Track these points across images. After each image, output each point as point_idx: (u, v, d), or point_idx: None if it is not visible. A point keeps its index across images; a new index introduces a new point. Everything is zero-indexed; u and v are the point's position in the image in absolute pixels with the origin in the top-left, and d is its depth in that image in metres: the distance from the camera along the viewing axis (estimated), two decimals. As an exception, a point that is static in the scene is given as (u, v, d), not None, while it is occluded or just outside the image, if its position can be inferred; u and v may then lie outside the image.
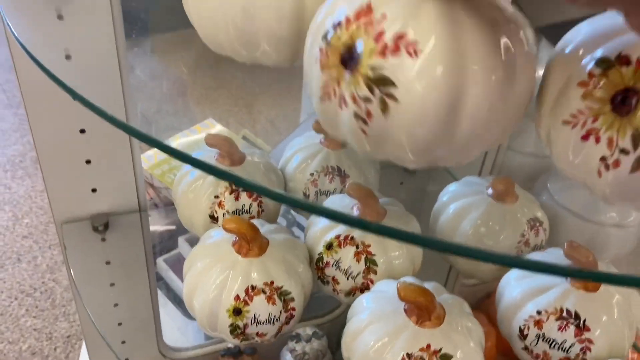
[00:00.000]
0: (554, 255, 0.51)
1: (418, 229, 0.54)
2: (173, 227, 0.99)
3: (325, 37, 0.26)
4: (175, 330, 0.87)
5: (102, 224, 0.59)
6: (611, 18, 0.25)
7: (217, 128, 1.10)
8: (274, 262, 0.47)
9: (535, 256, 0.52)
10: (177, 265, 0.93)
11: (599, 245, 0.61)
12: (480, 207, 0.55)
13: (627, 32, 0.23)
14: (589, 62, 0.24)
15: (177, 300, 0.91)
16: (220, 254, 0.47)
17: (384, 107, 0.25)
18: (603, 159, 0.24)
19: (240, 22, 0.33)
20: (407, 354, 0.41)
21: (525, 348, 0.47)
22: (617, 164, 0.23)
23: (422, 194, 0.80)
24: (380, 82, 0.24)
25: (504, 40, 0.25)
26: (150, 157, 1.00)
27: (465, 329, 0.44)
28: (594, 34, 0.25)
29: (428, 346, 0.42)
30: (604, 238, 0.59)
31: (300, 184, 0.60)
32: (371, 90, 0.25)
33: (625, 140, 0.23)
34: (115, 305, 0.68)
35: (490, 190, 0.56)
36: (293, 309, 0.47)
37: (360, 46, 0.24)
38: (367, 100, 0.25)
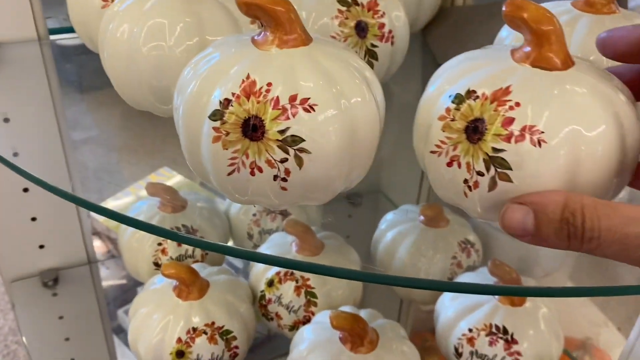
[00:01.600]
0: (483, 275, 0.53)
1: (357, 260, 0.57)
2: (131, 279, 0.99)
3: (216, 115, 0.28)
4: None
5: (51, 279, 0.60)
6: (464, 60, 0.28)
7: (174, 176, 1.11)
8: (215, 303, 0.49)
9: (466, 277, 0.54)
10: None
11: (532, 261, 0.64)
12: (413, 233, 0.58)
13: (474, 70, 0.27)
14: (446, 99, 0.27)
15: (139, 351, 0.90)
16: (162, 299, 0.49)
17: (300, 162, 0.27)
18: (466, 181, 0.26)
19: (152, 79, 0.36)
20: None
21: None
22: (476, 185, 0.26)
23: (370, 225, 0.83)
24: (292, 143, 0.27)
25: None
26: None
27: (399, 352, 0.46)
28: (451, 74, 0.28)
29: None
30: (534, 254, 0.63)
31: (244, 224, 0.62)
32: (286, 151, 0.27)
33: (479, 164, 0.26)
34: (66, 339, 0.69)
35: (421, 217, 0.59)
36: (236, 347, 0.49)
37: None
38: (283, 160, 0.27)
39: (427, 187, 0.72)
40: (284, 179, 0.28)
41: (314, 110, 0.27)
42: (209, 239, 0.59)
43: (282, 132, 0.27)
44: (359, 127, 0.29)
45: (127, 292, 0.98)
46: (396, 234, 0.59)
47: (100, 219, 1.01)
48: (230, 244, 0.64)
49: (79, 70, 0.61)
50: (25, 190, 0.57)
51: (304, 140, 0.27)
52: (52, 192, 0.31)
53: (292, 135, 0.27)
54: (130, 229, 0.58)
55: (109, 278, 0.97)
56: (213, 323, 0.47)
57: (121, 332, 0.94)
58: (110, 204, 1.03)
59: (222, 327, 0.48)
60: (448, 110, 0.27)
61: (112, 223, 0.97)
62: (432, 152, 0.28)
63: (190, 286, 0.48)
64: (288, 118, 0.27)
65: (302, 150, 0.27)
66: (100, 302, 0.65)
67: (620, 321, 0.87)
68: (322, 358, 0.44)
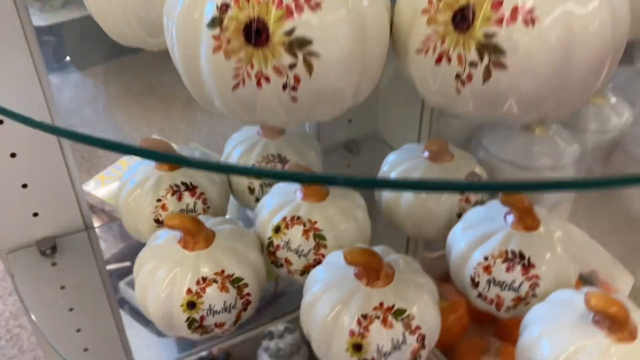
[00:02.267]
0: (494, 208, 0.52)
1: (363, 204, 0.55)
2: (131, 250, 0.97)
3: (215, 22, 0.25)
4: (145, 349, 0.85)
5: (49, 248, 0.58)
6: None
7: (163, 145, 1.09)
8: (223, 251, 0.47)
9: (476, 211, 0.53)
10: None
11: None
12: (418, 170, 0.57)
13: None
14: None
15: (145, 321, 0.89)
16: (167, 252, 0.47)
17: (309, 68, 0.25)
18: (458, 76, 0.25)
19: (140, 11, 0.34)
20: (362, 315, 0.42)
21: (480, 295, 0.49)
22: (470, 77, 0.24)
23: (371, 174, 0.82)
24: (300, 45, 0.25)
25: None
26: (98, 182, 0.99)
27: (416, 285, 0.45)
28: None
29: (381, 304, 0.42)
30: (542, 183, 0.61)
31: (244, 179, 0.60)
32: (294, 55, 0.25)
33: (472, 53, 0.24)
34: (78, 330, 0.67)
35: (425, 153, 0.58)
36: (248, 294, 0.47)
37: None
38: (292, 66, 0.25)
39: (426, 130, 0.71)
40: (294, 88, 0.26)
41: (320, 8, 0.25)
42: (210, 195, 0.57)
43: (288, 33, 0.25)
44: (368, 30, 0.27)
45: (130, 264, 0.97)
46: (400, 173, 0.58)
47: (96, 193, 0.99)
48: (231, 201, 0.63)
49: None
50: (13, 155, 0.55)
51: (312, 41, 0.25)
52: (31, 126, 0.29)
53: (300, 37, 0.25)
54: (127, 188, 0.55)
55: (109, 250, 0.95)
56: (223, 271, 0.46)
57: (125, 304, 0.93)
58: (103, 176, 1.00)
59: (233, 274, 0.46)
60: (431, 1, 0.25)
61: (107, 195, 0.95)
62: (418, 50, 0.26)
63: (196, 236, 0.46)
64: (293, 17, 0.25)
65: (311, 53, 0.25)
66: (101, 269, 0.64)
67: (621, 256, 0.87)
68: (337, 296, 0.43)
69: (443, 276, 0.98)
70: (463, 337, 0.90)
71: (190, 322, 0.45)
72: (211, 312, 0.45)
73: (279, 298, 0.95)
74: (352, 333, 0.42)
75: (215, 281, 0.45)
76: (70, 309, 0.65)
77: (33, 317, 0.64)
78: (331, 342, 0.43)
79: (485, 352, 0.82)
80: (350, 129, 0.79)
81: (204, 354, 0.76)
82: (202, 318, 0.45)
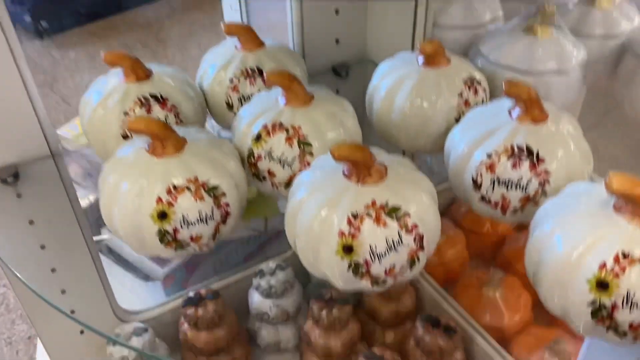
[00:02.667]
0: (497, 105, 0.47)
1: (351, 110, 0.50)
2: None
3: None
4: (130, 294, 0.81)
5: (10, 175, 0.53)
6: None
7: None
8: (196, 158, 0.42)
9: (477, 110, 0.48)
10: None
11: (543, 96, 0.58)
12: (412, 77, 0.52)
13: None
14: None
15: (129, 266, 0.85)
16: (134, 161, 0.42)
17: None
18: None
19: None
20: (353, 214, 0.37)
21: (483, 198, 0.44)
22: None
23: (360, 99, 0.76)
24: None
25: None
26: (75, 127, 0.94)
27: (412, 181, 0.40)
28: None
29: (373, 202, 0.38)
30: (545, 88, 0.57)
31: (221, 95, 0.55)
32: None
33: None
34: (53, 270, 0.63)
35: (420, 59, 0.52)
36: (227, 204, 0.43)
37: None
38: None
39: (420, 35, 0.65)
40: None
41: None
42: (183, 110, 0.52)
43: None
44: None
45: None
46: (393, 82, 0.53)
47: (69, 137, 0.94)
48: (208, 120, 0.58)
49: None
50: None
51: None
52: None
53: None
54: (91, 106, 0.50)
55: (86, 197, 0.90)
56: (196, 178, 0.41)
57: (110, 252, 0.89)
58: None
59: (207, 181, 0.41)
60: None
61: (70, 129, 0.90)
62: None
63: (165, 141, 0.41)
64: None
65: None
66: (73, 203, 0.59)
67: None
68: (325, 196, 0.38)
69: (440, 211, 0.94)
70: (463, 271, 0.87)
71: (162, 235, 0.41)
72: (185, 223, 0.41)
73: (270, 241, 0.91)
74: (342, 234, 0.37)
75: (188, 189, 0.41)
76: (42, 247, 0.61)
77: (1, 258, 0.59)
78: (319, 247, 0.38)
79: (486, 283, 0.78)
80: (338, 51, 0.73)
81: (191, 294, 0.72)
82: (175, 230, 0.41)
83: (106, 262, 0.85)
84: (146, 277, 0.83)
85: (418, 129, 0.51)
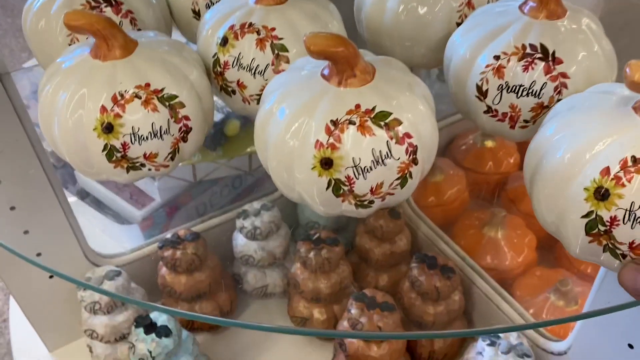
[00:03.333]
0: (506, 3, 0.40)
1: (336, 13, 0.43)
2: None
3: None
4: (108, 240, 0.76)
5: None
6: None
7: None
8: (149, 62, 0.36)
9: (482, 9, 0.41)
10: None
11: None
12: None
13: None
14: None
15: (105, 209, 0.79)
16: (74, 66, 0.35)
17: None
18: None
19: None
20: (332, 121, 0.31)
21: (489, 109, 0.38)
22: None
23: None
24: None
25: None
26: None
27: (404, 84, 0.34)
28: None
29: (357, 107, 0.31)
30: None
31: (186, 2, 0.48)
32: None
33: None
34: (12, 208, 0.57)
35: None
36: (186, 117, 0.36)
37: None
38: None
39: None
40: None
41: None
42: (142, 17, 0.45)
43: None
44: None
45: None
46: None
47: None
48: (173, 32, 0.50)
49: None
50: None
51: None
52: None
53: None
54: (32, 12, 0.43)
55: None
56: (148, 85, 0.35)
57: (86, 195, 0.83)
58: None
59: (162, 89, 0.35)
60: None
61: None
62: None
63: (111, 40, 0.35)
64: None
65: None
66: (26, 127, 0.52)
67: None
68: (300, 103, 0.32)
69: (440, 150, 0.88)
70: (462, 213, 0.81)
71: (110, 152, 0.34)
72: (136, 138, 0.34)
73: (257, 182, 0.85)
74: (319, 145, 0.31)
75: (137, 96, 0.34)
76: (12, 207, 0.55)
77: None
78: (293, 163, 0.32)
79: (487, 223, 0.72)
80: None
81: (168, 235, 0.67)
82: (124, 146, 0.34)
83: (81, 206, 0.80)
84: (123, 220, 0.77)
85: (415, 36, 0.44)
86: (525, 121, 0.37)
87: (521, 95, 0.36)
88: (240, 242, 0.70)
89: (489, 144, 0.82)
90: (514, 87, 0.36)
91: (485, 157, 0.81)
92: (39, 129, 0.53)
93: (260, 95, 0.40)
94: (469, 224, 0.74)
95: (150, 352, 0.55)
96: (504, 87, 0.36)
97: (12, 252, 0.45)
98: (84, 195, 0.83)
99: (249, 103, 0.41)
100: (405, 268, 0.71)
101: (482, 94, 0.37)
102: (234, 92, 0.40)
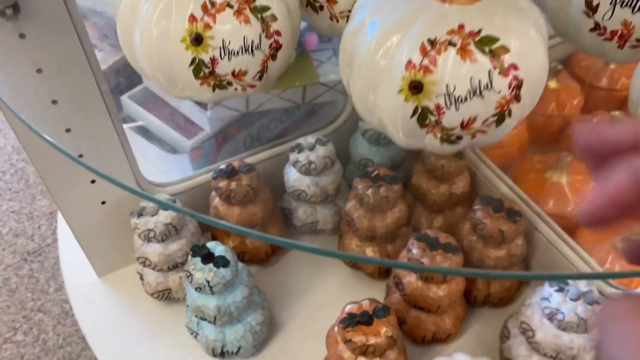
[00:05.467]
0: None
1: None
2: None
3: None
4: (155, 170, 0.75)
5: (8, 5, 0.44)
6: None
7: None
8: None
9: None
10: (145, 102, 0.79)
11: None
12: None
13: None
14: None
15: (153, 138, 0.78)
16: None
17: None
18: None
19: None
20: (429, 40, 0.28)
21: (596, 27, 0.34)
22: None
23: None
24: None
25: None
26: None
27: (516, 9, 0.30)
28: None
29: (460, 27, 0.28)
30: None
31: None
32: None
33: None
34: (68, 130, 0.55)
35: None
36: (277, 32, 0.33)
37: None
38: None
39: None
40: None
41: None
42: None
43: None
44: None
45: (128, 76, 0.83)
46: None
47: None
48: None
49: None
50: None
51: None
52: None
53: None
54: None
55: (105, 62, 0.81)
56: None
57: (130, 122, 0.81)
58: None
59: (254, 0, 0.32)
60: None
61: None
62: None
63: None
64: None
65: None
66: (86, 49, 0.50)
67: None
68: (395, 17, 0.28)
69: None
70: (521, 157, 0.78)
71: (198, 67, 0.32)
72: (226, 52, 0.32)
73: (309, 116, 0.83)
74: (410, 65, 0.28)
75: (229, 6, 0.31)
76: (54, 102, 0.53)
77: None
78: (379, 84, 0.29)
79: (551, 167, 0.69)
80: None
81: (223, 166, 0.65)
82: (213, 60, 0.32)
83: (129, 134, 0.78)
84: (172, 150, 0.76)
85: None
86: (638, 40, 0.33)
87: (637, 11, 0.32)
88: (293, 176, 0.68)
89: (552, 84, 0.78)
90: (630, 1, 0.32)
91: (548, 99, 0.77)
92: (96, 49, 0.51)
93: (350, 12, 0.36)
94: (530, 168, 0.71)
95: (208, 282, 0.55)
96: (618, 0, 0.32)
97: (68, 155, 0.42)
98: (127, 119, 0.81)
99: (337, 21, 0.37)
100: (461, 210, 0.69)
101: (591, 9, 0.33)
102: (321, 7, 0.37)
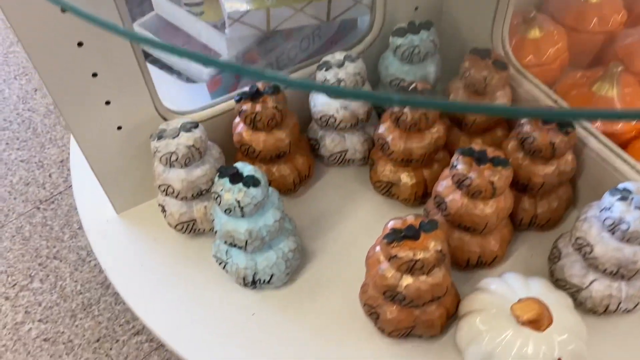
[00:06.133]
0: None
1: None
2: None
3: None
4: (172, 100, 0.70)
5: None
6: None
7: None
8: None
9: None
10: (158, 30, 0.74)
11: None
12: None
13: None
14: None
15: (169, 67, 0.73)
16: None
17: None
18: None
19: None
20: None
21: None
22: None
23: None
24: None
25: None
26: None
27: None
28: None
29: None
30: None
31: None
32: None
33: None
34: (80, 44, 0.50)
35: None
36: None
37: None
38: None
39: None
40: None
41: None
42: None
43: None
44: None
45: (139, 4, 0.78)
46: None
47: None
48: None
49: None
50: None
51: None
52: None
53: None
54: None
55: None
56: None
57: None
58: None
59: None
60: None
61: None
62: None
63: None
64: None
65: None
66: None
67: None
68: None
69: (536, 4, 0.78)
70: (562, 75, 0.73)
71: None
72: None
73: (335, 36, 0.77)
74: None
75: None
76: (80, 43, 0.49)
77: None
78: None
79: (599, 79, 0.64)
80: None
81: (246, 88, 0.60)
82: None
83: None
84: (189, 80, 0.71)
85: None
86: None
87: None
88: (320, 100, 0.64)
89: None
90: None
91: (589, 14, 0.72)
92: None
93: None
94: (574, 84, 0.67)
95: (238, 202, 0.51)
96: None
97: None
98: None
99: None
100: (501, 133, 0.65)
101: None
102: None
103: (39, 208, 0.91)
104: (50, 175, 0.95)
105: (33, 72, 1.13)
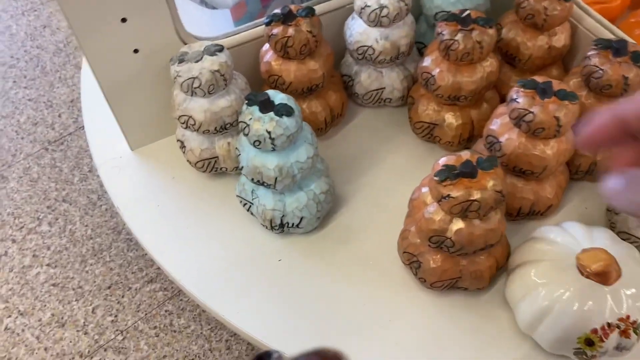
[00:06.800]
0: None
1: None
2: None
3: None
4: (197, 25, 0.64)
5: None
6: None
7: None
8: None
9: None
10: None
11: None
12: None
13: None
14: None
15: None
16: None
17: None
18: None
19: None
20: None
21: None
22: None
23: None
24: None
25: None
26: None
27: None
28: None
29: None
30: None
31: None
32: None
33: None
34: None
35: None
36: None
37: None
38: None
39: None
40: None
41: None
42: None
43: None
44: None
45: None
46: None
47: None
48: None
49: None
50: None
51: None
52: None
53: None
54: None
55: None
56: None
57: None
58: None
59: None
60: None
61: None
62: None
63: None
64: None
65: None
66: None
67: None
68: None
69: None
70: (623, 13, 0.66)
71: None
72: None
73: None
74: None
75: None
76: None
77: None
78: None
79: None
80: None
81: (276, 10, 0.54)
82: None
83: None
84: (212, 5, 0.65)
85: None
86: None
87: None
88: (358, 29, 0.57)
89: None
90: None
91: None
92: None
93: None
94: (637, 22, 0.60)
95: (269, 133, 0.45)
96: None
97: None
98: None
99: None
100: (557, 73, 0.58)
101: None
102: None
103: (47, 149, 0.86)
104: (59, 116, 0.90)
105: (42, 8, 1.06)
